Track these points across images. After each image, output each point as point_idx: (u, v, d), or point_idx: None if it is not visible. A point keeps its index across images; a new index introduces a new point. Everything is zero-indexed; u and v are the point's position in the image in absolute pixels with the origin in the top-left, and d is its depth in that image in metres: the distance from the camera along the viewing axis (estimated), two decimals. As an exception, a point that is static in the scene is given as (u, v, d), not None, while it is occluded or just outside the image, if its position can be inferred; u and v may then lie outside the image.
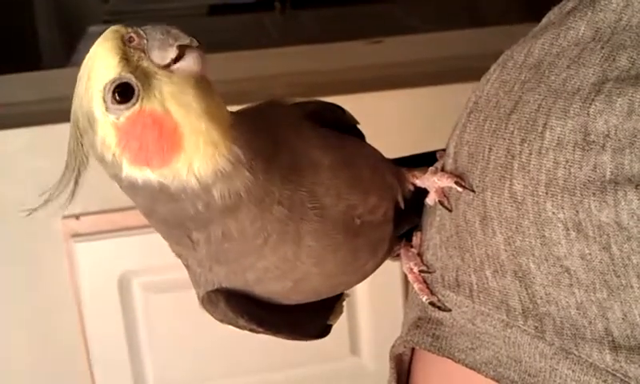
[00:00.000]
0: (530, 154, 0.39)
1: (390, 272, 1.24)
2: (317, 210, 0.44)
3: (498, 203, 0.40)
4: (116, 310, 1.24)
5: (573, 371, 0.37)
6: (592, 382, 0.37)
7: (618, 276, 0.36)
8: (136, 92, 0.41)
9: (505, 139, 0.40)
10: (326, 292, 0.49)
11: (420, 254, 0.48)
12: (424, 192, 0.48)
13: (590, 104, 0.37)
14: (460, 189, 0.43)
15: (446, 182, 0.45)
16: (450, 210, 0.44)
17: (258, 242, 0.44)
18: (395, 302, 1.23)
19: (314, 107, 0.50)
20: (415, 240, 0.49)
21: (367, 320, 1.28)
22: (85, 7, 2.00)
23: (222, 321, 0.48)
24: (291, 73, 1.34)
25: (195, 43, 0.41)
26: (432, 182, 0.47)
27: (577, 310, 0.37)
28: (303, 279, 0.46)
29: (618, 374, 0.36)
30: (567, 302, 0.38)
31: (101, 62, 0.41)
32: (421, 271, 0.47)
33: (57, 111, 1.20)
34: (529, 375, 0.39)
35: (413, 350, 0.47)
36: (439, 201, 0.45)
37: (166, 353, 1.27)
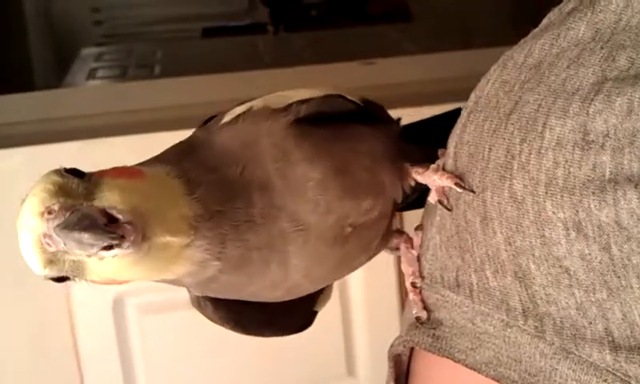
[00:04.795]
0: (530, 153, 0.39)
1: (388, 293, 1.24)
2: (301, 231, 0.44)
3: (498, 203, 0.40)
4: (110, 330, 1.23)
5: (573, 371, 0.37)
6: (592, 382, 0.37)
7: (618, 276, 0.36)
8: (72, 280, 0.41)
9: (505, 139, 0.41)
10: (317, 290, 0.51)
11: (420, 256, 0.48)
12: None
13: (590, 104, 0.37)
14: (460, 190, 0.43)
15: (446, 182, 0.44)
16: (450, 210, 0.44)
17: (243, 280, 0.45)
18: (392, 323, 1.22)
19: (309, 110, 0.47)
20: (416, 240, 0.49)
21: (364, 341, 1.28)
22: (78, 29, 2.00)
23: (210, 319, 0.49)
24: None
25: (125, 222, 0.38)
26: (433, 180, 0.46)
27: (577, 310, 0.37)
28: (294, 287, 0.47)
29: (618, 374, 0.36)
30: (567, 303, 0.38)
31: (29, 258, 0.40)
32: (412, 284, 0.47)
33: (50, 132, 1.20)
34: (529, 375, 0.39)
35: (412, 349, 0.47)
36: (439, 200, 0.45)
37: (160, 373, 1.26)
